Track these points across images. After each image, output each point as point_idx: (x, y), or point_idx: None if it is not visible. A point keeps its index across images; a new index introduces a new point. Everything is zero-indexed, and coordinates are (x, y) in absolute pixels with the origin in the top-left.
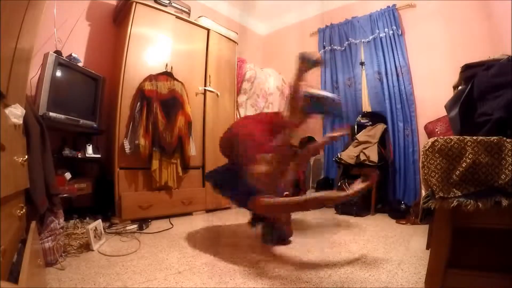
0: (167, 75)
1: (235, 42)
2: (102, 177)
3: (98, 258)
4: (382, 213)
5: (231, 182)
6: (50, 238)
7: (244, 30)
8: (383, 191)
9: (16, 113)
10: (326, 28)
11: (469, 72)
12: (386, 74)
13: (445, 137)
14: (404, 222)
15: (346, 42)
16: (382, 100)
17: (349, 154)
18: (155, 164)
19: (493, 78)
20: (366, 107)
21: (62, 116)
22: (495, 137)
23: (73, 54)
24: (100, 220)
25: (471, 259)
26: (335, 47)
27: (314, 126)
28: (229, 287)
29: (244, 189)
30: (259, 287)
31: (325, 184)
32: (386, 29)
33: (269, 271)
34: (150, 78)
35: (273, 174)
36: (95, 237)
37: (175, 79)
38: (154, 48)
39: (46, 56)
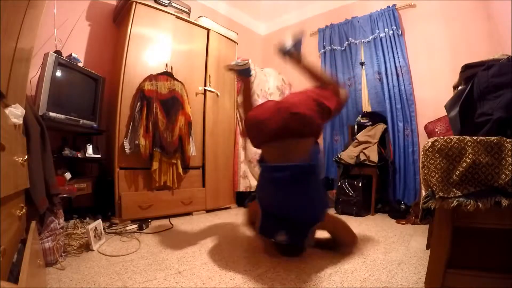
0: (167, 75)
1: (235, 42)
2: (102, 177)
3: (98, 258)
4: (382, 213)
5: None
6: (50, 238)
7: (244, 30)
8: (383, 191)
9: (16, 113)
10: (326, 28)
11: (469, 72)
12: (386, 74)
13: (445, 137)
14: (404, 222)
15: (346, 42)
16: (382, 100)
17: (349, 154)
18: (155, 164)
19: (493, 78)
20: (366, 107)
21: (62, 116)
22: (495, 137)
23: (73, 54)
24: (100, 220)
25: (471, 259)
26: (335, 47)
27: None
28: (229, 287)
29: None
30: (259, 287)
31: (325, 184)
32: (386, 29)
33: (269, 271)
34: (150, 78)
35: None
36: (95, 237)
37: (175, 79)
38: (154, 48)
39: (46, 56)
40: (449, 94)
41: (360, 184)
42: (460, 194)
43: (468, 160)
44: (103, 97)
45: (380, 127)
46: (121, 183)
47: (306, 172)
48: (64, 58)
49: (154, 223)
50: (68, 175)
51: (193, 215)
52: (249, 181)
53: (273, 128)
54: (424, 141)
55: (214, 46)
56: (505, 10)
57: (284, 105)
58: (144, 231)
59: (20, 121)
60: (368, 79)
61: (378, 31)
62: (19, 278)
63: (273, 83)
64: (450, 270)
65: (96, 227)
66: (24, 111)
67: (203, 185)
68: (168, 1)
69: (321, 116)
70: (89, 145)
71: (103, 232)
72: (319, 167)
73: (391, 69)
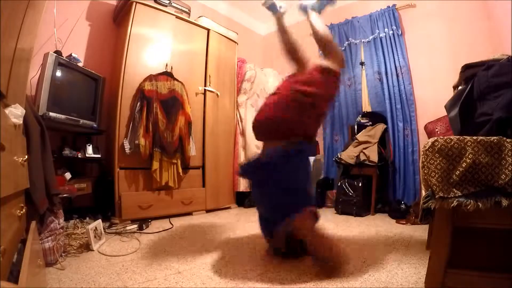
0: (167, 75)
1: (235, 42)
2: (102, 177)
3: (98, 258)
4: (382, 213)
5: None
6: (50, 238)
7: (244, 30)
8: (383, 191)
9: (16, 113)
10: None
11: (469, 72)
12: (386, 74)
13: (445, 137)
14: (404, 222)
15: (346, 42)
16: (382, 100)
17: (349, 154)
18: (155, 164)
19: (493, 78)
20: (366, 107)
21: (62, 116)
22: (495, 137)
23: (73, 54)
24: (100, 220)
25: (471, 259)
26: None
27: None
28: (229, 287)
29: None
30: (259, 287)
31: (325, 184)
32: (386, 29)
33: (269, 271)
34: (150, 78)
35: None
36: (95, 237)
37: (175, 79)
38: (154, 48)
39: (46, 56)
40: (449, 94)
41: (360, 184)
42: (460, 194)
43: (468, 160)
44: (103, 97)
45: (380, 127)
46: (121, 183)
47: (260, 170)
48: (64, 58)
49: (154, 223)
50: (68, 175)
51: (193, 215)
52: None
53: (257, 130)
54: (424, 141)
55: (214, 46)
56: (505, 10)
57: (263, 107)
58: (144, 231)
59: (20, 121)
60: (368, 79)
61: (378, 31)
62: (19, 278)
63: (273, 83)
64: (450, 270)
65: (96, 227)
66: (24, 111)
67: (203, 185)
68: (168, 1)
69: (298, 111)
70: (89, 145)
71: (103, 232)
72: (279, 166)
73: (391, 69)
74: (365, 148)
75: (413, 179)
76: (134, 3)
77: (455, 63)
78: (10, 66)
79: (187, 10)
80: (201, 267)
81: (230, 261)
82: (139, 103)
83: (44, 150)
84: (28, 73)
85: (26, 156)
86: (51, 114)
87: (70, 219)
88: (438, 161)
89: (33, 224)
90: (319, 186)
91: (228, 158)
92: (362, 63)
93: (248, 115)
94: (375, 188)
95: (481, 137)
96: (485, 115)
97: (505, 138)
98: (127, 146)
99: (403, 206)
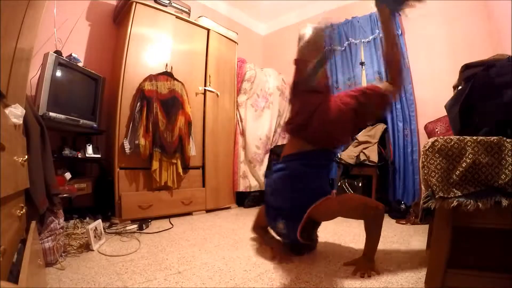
0: (167, 75)
1: (235, 42)
2: (102, 177)
3: (98, 258)
4: None
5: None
6: (50, 238)
7: (244, 30)
8: (383, 191)
9: (16, 113)
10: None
11: (469, 72)
12: (386, 74)
13: (445, 137)
14: (404, 222)
15: (346, 42)
16: None
17: (349, 154)
18: (155, 164)
19: (493, 78)
20: None
21: (62, 116)
22: (495, 137)
23: (73, 54)
24: (100, 220)
25: (471, 259)
26: (335, 47)
27: None
28: (229, 287)
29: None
30: (259, 287)
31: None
32: None
33: (269, 271)
34: (150, 78)
35: None
36: (95, 237)
37: (175, 79)
38: (154, 48)
39: (46, 56)
40: (449, 94)
41: (360, 184)
42: (460, 194)
43: (468, 160)
44: (103, 97)
45: (380, 127)
46: (121, 183)
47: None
48: (64, 58)
49: (154, 223)
50: (68, 175)
51: (193, 215)
52: (249, 181)
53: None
54: (424, 141)
55: (214, 46)
56: (505, 10)
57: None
58: (144, 231)
59: (20, 121)
60: (368, 79)
61: (378, 31)
62: (19, 278)
63: (273, 83)
64: (450, 270)
65: (96, 227)
66: (24, 111)
67: (203, 185)
68: (168, 1)
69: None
70: (89, 145)
71: (103, 232)
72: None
73: None
74: (365, 148)
75: (412, 179)
76: (134, 3)
77: (455, 63)
78: (10, 66)
79: (187, 10)
80: (201, 267)
81: (230, 261)
82: (139, 103)
83: (44, 150)
84: (28, 73)
85: (26, 156)
86: (51, 114)
87: (70, 219)
88: (438, 161)
89: (33, 224)
90: None
91: (228, 158)
92: (362, 63)
93: (248, 115)
94: (375, 188)
95: (481, 137)
96: (485, 115)
97: (505, 138)
98: (127, 146)
99: (403, 206)
